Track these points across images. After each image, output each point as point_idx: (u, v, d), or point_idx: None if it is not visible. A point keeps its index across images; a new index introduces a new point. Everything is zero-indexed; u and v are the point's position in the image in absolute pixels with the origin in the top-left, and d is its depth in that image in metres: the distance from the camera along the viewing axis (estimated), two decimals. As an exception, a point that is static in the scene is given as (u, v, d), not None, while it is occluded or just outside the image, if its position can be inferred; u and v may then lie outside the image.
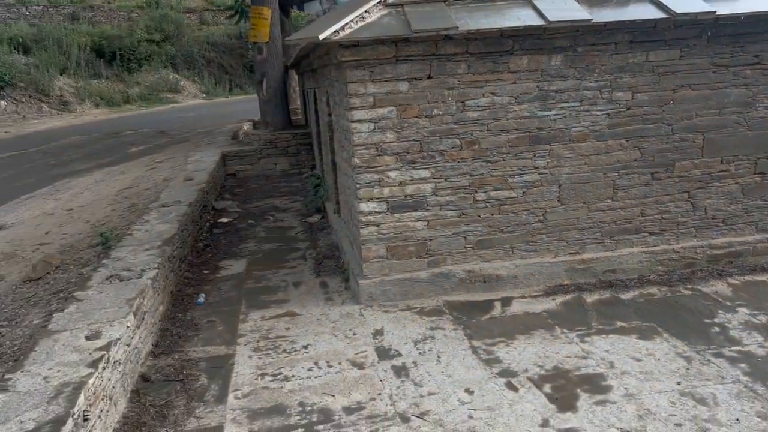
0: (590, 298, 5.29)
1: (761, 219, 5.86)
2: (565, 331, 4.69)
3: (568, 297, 5.33)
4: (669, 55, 5.40)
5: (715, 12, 5.13)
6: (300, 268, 6.61)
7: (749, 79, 5.55)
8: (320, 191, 9.30)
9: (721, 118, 5.59)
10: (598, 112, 5.44)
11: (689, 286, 5.39)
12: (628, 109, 5.47)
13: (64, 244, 6.93)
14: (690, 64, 5.45)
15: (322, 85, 8.02)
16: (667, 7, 5.14)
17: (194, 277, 6.46)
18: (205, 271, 6.66)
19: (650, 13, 5.17)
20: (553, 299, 5.30)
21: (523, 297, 5.39)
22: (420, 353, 4.47)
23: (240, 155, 12.66)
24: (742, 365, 4.02)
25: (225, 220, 8.80)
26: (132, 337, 4.33)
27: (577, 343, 4.47)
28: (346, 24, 4.84)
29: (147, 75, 33.68)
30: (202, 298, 5.85)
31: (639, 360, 4.17)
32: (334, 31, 4.75)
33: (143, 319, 4.68)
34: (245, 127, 18.01)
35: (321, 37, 4.69)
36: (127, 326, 4.23)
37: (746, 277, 5.51)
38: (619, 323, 4.76)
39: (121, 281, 5.02)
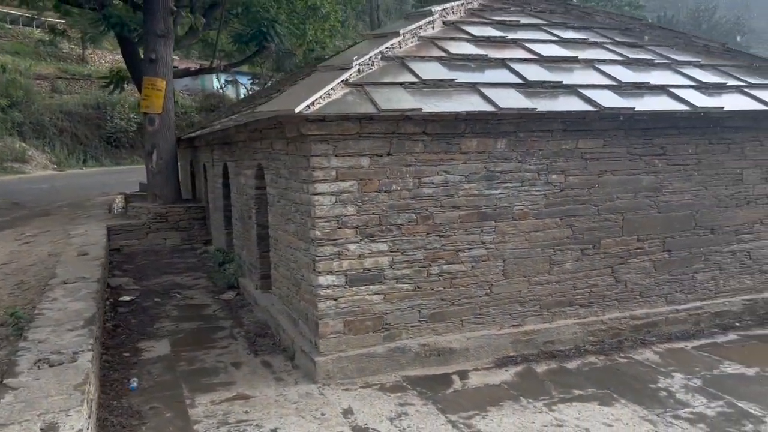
0: (539, 368, 5.52)
1: (669, 292, 6.53)
2: (530, 400, 4.83)
3: (519, 368, 5.52)
4: (595, 143, 6.03)
5: (634, 108, 5.86)
6: (232, 348, 6.24)
7: (657, 168, 6.32)
8: (230, 267, 8.94)
9: (636, 201, 6.27)
10: (537, 193, 5.88)
11: (622, 355, 5.81)
12: (561, 190, 5.97)
13: (-49, 326, 6.01)
14: (611, 152, 6.11)
15: (243, 159, 7.90)
16: (595, 101, 5.79)
17: (115, 360, 5.86)
18: (126, 354, 6.07)
19: (581, 105, 5.78)
20: (506, 370, 5.46)
21: (476, 369, 5.49)
22: (400, 430, 4.37)
23: (126, 229, 11.88)
24: (701, 425, 4.38)
25: (127, 298, 8.13)
26: (87, 429, 3.82)
27: (546, 413, 4.62)
28: (315, 100, 4.90)
29: (-10, 142, 30.90)
30: (135, 383, 5.30)
31: (610, 425, 4.40)
32: (306, 106, 4.78)
33: (91, 408, 4.16)
34: (117, 200, 17.03)
35: (297, 110, 4.70)
36: (86, 416, 3.74)
37: (666, 345, 6.06)
38: (576, 391, 5.00)
39: (53, 366, 4.45)
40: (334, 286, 5.29)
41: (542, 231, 5.94)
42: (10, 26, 42.00)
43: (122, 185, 22.14)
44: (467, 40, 6.66)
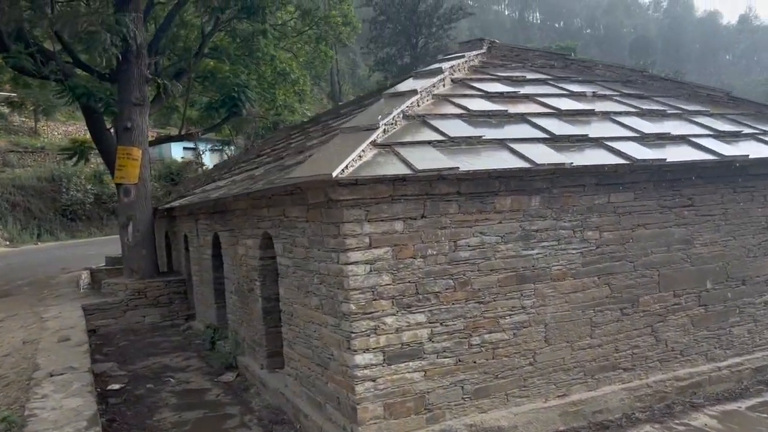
0: (596, 442, 5.06)
1: (708, 349, 6.22)
2: (603, 482, 4.35)
3: (574, 444, 5.05)
4: (626, 197, 5.79)
5: (665, 159, 5.67)
6: (250, 439, 5.60)
7: (687, 219, 6.10)
8: (225, 345, 8.28)
9: (669, 255, 6.02)
10: (573, 251, 5.56)
11: (677, 422, 5.42)
12: (597, 247, 5.67)
13: None
14: (642, 205, 5.88)
15: (242, 228, 7.42)
16: (626, 153, 5.58)
17: (119, 463, 5.16)
18: (130, 454, 5.36)
19: (613, 158, 5.56)
20: (562, 448, 4.98)
21: (529, 448, 4.99)
22: None
23: (101, 308, 11.09)
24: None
25: (116, 386, 7.37)
26: None
27: (626, 496, 4.14)
28: (348, 163, 4.52)
29: (-63, 220, 29.46)
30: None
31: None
32: (341, 170, 4.39)
33: None
34: (84, 276, 16.11)
35: (334, 174, 4.30)
36: None
37: (717, 407, 5.70)
38: (648, 468, 4.55)
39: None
40: (371, 365, 4.78)
41: (581, 291, 5.60)
42: (-43, 101, 40.85)
43: (82, 260, 21.09)
44: (481, 97, 6.45)
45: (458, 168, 4.78)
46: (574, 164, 5.24)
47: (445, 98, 6.27)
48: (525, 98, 6.68)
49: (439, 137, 5.28)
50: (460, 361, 5.09)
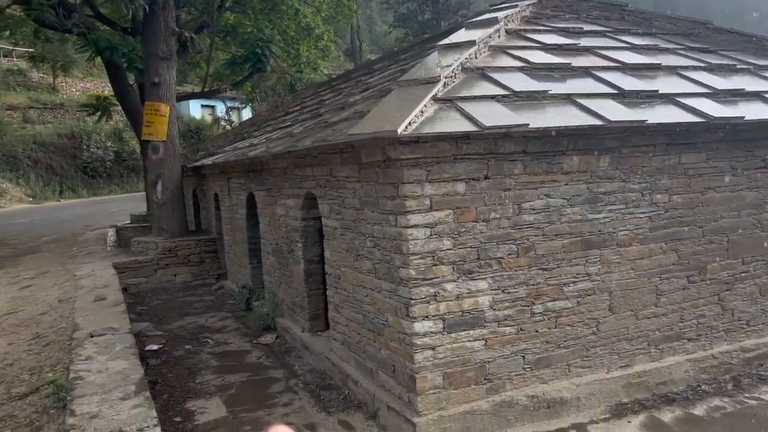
0: (664, 416, 4.82)
1: (776, 318, 5.91)
2: (679, 460, 4.12)
3: (641, 417, 4.81)
4: (697, 158, 5.42)
5: (743, 117, 5.26)
6: (297, 405, 5.44)
7: (759, 182, 5.72)
8: (262, 306, 8.11)
9: (740, 220, 5.66)
10: (641, 215, 5.23)
11: (747, 395, 5.15)
12: (666, 211, 5.33)
13: (-33, 397, 5.11)
14: (713, 167, 5.50)
15: (281, 187, 7.14)
16: (701, 111, 5.18)
17: (167, 429, 5.00)
18: (177, 419, 5.22)
19: (687, 116, 5.16)
20: (629, 421, 4.75)
21: (594, 422, 4.77)
22: None
23: (132, 267, 10.95)
24: None
25: (154, 347, 7.25)
26: None
27: (707, 476, 3.91)
28: (411, 119, 4.18)
29: (-40, 176, 29.57)
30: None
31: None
32: (405, 126, 4.06)
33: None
34: (110, 234, 16.07)
35: (399, 131, 3.98)
36: None
37: (788, 380, 5.41)
38: (725, 445, 4.31)
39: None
40: (431, 333, 4.54)
41: (648, 258, 5.28)
42: (-25, 58, 40.69)
43: (105, 217, 21.10)
44: (539, 49, 6.03)
45: (528, 125, 4.43)
46: (648, 122, 4.86)
47: (502, 50, 5.87)
48: (585, 51, 6.25)
49: (503, 91, 4.92)
50: (521, 329, 4.84)
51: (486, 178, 4.64)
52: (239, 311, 8.94)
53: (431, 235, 4.50)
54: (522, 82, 5.14)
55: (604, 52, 6.23)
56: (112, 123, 34.47)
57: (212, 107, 41.59)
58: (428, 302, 4.52)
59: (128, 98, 16.13)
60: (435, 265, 4.52)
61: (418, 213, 4.44)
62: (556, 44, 6.19)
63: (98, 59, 17.98)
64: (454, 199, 4.55)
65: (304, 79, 23.75)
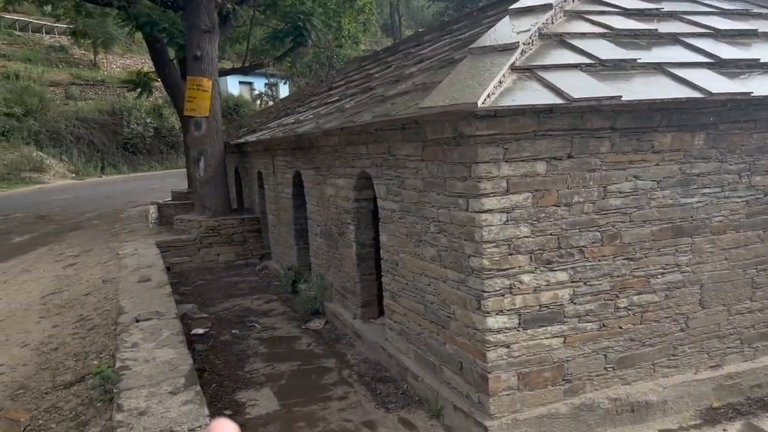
0: (764, 424, 4.32)
1: None
2: (791, 479, 3.63)
3: (737, 425, 4.32)
4: (803, 135, 4.81)
5: None
6: (353, 399, 5.09)
7: None
8: (309, 289, 7.78)
9: None
10: (738, 199, 4.68)
11: None
12: (765, 195, 4.76)
13: (11, 385, 4.89)
14: (820, 145, 4.89)
15: (332, 166, 6.75)
16: (812, 82, 4.57)
17: (217, 422, 4.70)
18: (226, 411, 4.92)
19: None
20: (724, 429, 4.27)
21: (683, 428, 4.30)
22: None
23: (175, 245, 10.76)
24: None
25: (200, 330, 6.99)
26: None
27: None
28: (490, 91, 3.71)
29: (6, 153, 29.96)
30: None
31: None
32: (484, 99, 3.60)
33: None
34: (151, 211, 16.00)
35: (479, 102, 3.52)
36: None
37: None
38: (841, 462, 3.80)
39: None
40: (505, 329, 4.11)
41: (743, 247, 4.74)
42: (20, 33, 41.16)
43: (146, 193, 21.15)
44: (618, 14, 5.46)
45: (621, 97, 3.91)
46: (754, 94, 4.29)
47: (578, 15, 5.31)
48: (669, 16, 5.64)
49: (587, 60, 4.38)
50: (604, 326, 4.37)
51: (569, 157, 4.16)
52: (285, 293, 8.65)
53: (507, 220, 4.04)
54: (606, 50, 4.60)
55: (690, 17, 5.61)
56: (151, 99, 34.67)
57: (250, 84, 41.45)
58: (503, 295, 4.08)
59: (169, 74, 15.94)
60: (511, 254, 4.08)
61: (493, 196, 3.99)
62: (636, 9, 5.60)
63: (138, 35, 17.84)
64: (534, 181, 4.08)
65: (341, 54, 23.26)
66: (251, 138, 10.04)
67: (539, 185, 4.10)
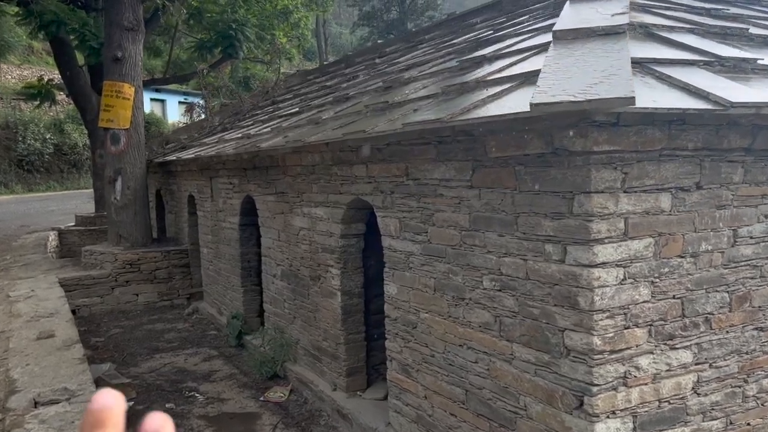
0: None
1: None
2: None
3: None
4: None
5: None
6: None
7: None
8: (264, 345, 6.19)
9: None
10: None
11: None
12: None
13: None
14: None
15: (302, 191, 5.30)
16: None
17: None
18: None
19: None
20: None
21: None
22: None
23: (83, 283, 8.82)
24: None
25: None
26: None
27: None
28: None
29: None
30: None
31: None
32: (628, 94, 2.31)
33: None
34: (51, 238, 13.73)
35: (637, 99, 2.22)
36: None
37: None
38: None
39: None
40: (617, 437, 2.79)
41: None
42: None
43: (44, 216, 18.61)
44: (684, 10, 4.42)
45: (784, 105, 2.74)
46: None
47: (643, 7, 4.20)
48: (734, 18, 4.65)
49: (697, 56, 3.22)
50: (730, 423, 3.15)
51: (698, 187, 2.94)
52: (226, 347, 7.00)
53: (624, 278, 2.76)
54: (710, 47, 3.47)
55: (760, 21, 4.64)
56: (52, 114, 31.68)
57: (162, 101, 39.00)
58: (615, 389, 2.77)
59: (77, 82, 13.88)
60: (627, 327, 2.78)
61: (608, 243, 2.70)
62: (702, 7, 4.58)
63: (39, 45, 15.64)
64: (657, 221, 2.83)
65: (258, 76, 21.70)
66: (185, 155, 8.36)
67: (663, 227, 2.85)
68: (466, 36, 6.42)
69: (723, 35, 3.90)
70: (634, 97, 2.18)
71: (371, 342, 5.07)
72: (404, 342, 4.06)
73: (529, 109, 2.39)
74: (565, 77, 2.54)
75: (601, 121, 2.56)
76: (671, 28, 3.70)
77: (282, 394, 5.49)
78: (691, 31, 3.79)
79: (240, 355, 6.65)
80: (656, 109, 2.42)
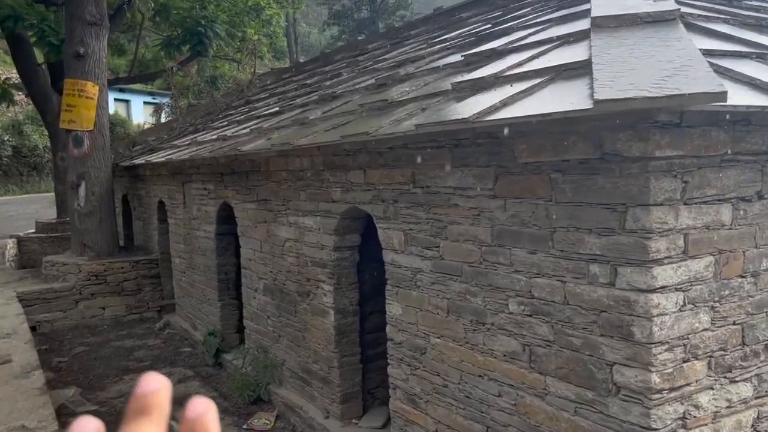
0: None
1: None
2: None
3: None
4: None
5: None
6: None
7: None
8: (246, 367, 5.70)
9: None
10: None
11: None
12: None
13: None
14: None
15: (289, 198, 4.85)
16: None
17: None
18: None
19: None
20: None
21: None
22: None
23: (44, 297, 8.18)
24: None
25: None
26: None
27: None
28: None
29: None
30: None
31: None
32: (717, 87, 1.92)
33: None
34: (9, 246, 12.96)
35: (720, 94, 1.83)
36: None
37: None
38: None
39: None
40: (677, 489, 2.41)
41: None
42: None
43: (3, 222, 17.68)
44: None
45: None
46: None
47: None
48: (755, 10, 4.34)
49: (744, 48, 2.86)
50: (789, 462, 2.79)
51: (759, 197, 2.58)
52: (203, 366, 6.48)
53: (684, 304, 2.38)
54: (756, 37, 3.12)
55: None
56: (10, 115, 30.51)
57: (127, 102, 37.91)
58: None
59: (36, 81, 13.13)
60: (686, 360, 2.40)
61: (668, 263, 2.31)
62: (723, -3, 4.25)
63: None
64: (718, 237, 2.46)
65: (226, 75, 21.02)
66: (154, 158, 7.79)
67: (723, 243, 2.48)
68: (460, 31, 6.02)
69: (758, 26, 3.57)
70: (725, 92, 1.79)
71: (366, 364, 4.62)
72: (411, 369, 3.63)
73: (585, 107, 1.98)
74: (627, 69, 2.14)
75: (663, 122, 2.17)
76: (707, 18, 3.34)
77: (267, 421, 5.01)
78: (725, 21, 3.44)
79: (218, 376, 6.14)
80: (735, 107, 2.04)
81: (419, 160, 3.34)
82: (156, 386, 0.47)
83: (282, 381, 5.29)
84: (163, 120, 16.44)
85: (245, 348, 5.88)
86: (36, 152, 31.07)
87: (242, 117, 7.73)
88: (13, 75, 19.80)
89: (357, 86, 5.47)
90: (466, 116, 2.55)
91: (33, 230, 13.87)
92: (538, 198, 2.69)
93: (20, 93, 16.54)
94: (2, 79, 15.55)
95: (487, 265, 3.00)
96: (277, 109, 6.71)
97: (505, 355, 2.94)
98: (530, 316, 2.79)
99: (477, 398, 3.14)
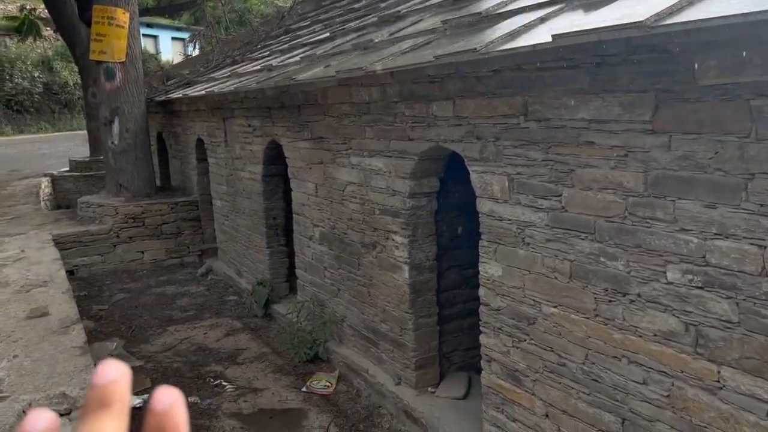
0: None
1: None
2: None
3: None
4: None
5: None
6: None
7: None
8: (301, 321, 5.19)
9: None
10: None
11: None
12: None
13: None
14: None
15: (352, 137, 4.18)
16: None
17: None
18: None
19: None
20: None
21: None
22: None
23: (81, 240, 7.77)
24: None
25: (137, 401, 4.27)
26: None
27: None
28: None
29: None
30: None
31: None
32: None
33: None
34: (44, 185, 12.62)
35: None
36: None
37: None
38: None
39: None
40: None
41: None
42: None
43: (36, 160, 17.39)
44: None
45: None
46: None
47: None
48: None
49: None
50: None
51: None
52: (251, 317, 6.02)
53: None
54: None
55: None
56: (40, 51, 30.06)
57: (155, 37, 37.12)
58: None
59: (64, 12, 12.45)
60: None
61: None
62: None
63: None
64: None
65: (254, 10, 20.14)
66: (192, 92, 7.15)
67: None
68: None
69: None
70: None
71: (442, 325, 4.06)
72: (513, 341, 3.04)
73: None
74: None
75: None
76: None
77: (328, 383, 4.52)
78: None
79: (269, 328, 5.68)
80: None
81: (540, 85, 2.64)
82: (115, 375, 0.41)
83: (342, 339, 4.78)
84: (195, 53, 15.67)
85: (299, 301, 5.37)
86: (66, 89, 30.75)
87: (285, 46, 7.00)
88: (40, 7, 19.12)
89: (427, 4, 4.70)
90: (639, 20, 1.84)
91: (66, 169, 13.52)
92: (727, 133, 2.00)
93: (48, 28, 15.92)
94: (28, 10, 14.85)
95: (635, 221, 2.34)
96: (327, 34, 5.97)
97: (656, 335, 2.32)
98: (701, 288, 2.14)
99: (609, 383, 2.54)
